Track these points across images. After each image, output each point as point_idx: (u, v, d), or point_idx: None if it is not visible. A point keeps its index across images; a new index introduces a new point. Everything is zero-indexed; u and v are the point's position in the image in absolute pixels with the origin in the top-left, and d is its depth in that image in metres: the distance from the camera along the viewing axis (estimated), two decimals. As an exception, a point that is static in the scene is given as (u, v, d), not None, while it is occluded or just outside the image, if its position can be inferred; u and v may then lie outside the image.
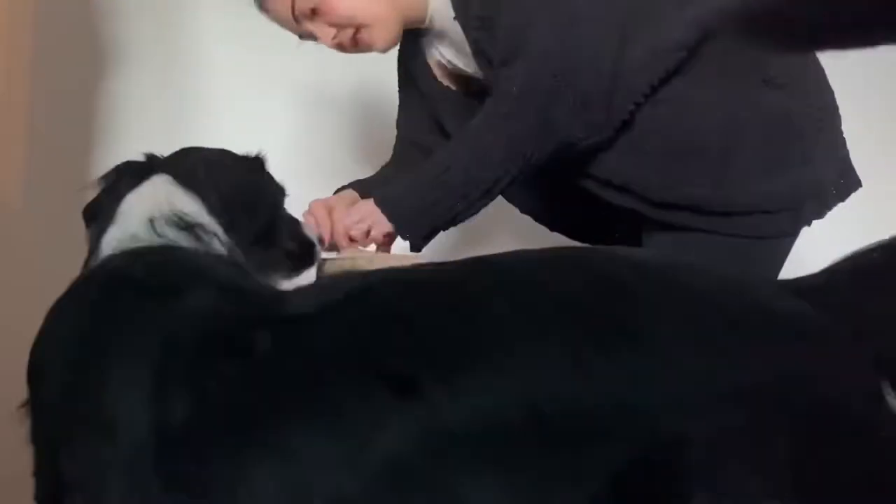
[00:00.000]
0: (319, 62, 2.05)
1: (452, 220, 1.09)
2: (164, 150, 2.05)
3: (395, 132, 1.56)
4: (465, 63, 1.26)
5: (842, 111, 1.17)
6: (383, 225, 1.10)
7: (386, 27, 1.19)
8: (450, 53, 1.29)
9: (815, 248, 1.57)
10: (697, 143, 1.04)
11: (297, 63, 2.04)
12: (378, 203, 1.11)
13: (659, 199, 1.07)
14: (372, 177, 1.42)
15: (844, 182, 1.14)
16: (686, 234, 1.08)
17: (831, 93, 1.16)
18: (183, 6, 2.07)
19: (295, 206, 1.34)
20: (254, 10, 2.14)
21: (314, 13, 1.19)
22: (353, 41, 1.21)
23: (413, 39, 1.33)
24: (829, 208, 1.12)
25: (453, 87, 1.34)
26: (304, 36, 1.24)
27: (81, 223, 1.89)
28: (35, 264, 2.01)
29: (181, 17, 2.07)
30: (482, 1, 1.10)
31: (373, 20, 1.18)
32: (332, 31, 1.20)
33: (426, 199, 1.08)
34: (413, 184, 1.11)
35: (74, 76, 2.08)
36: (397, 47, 1.35)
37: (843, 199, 1.13)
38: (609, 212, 1.18)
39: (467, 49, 1.19)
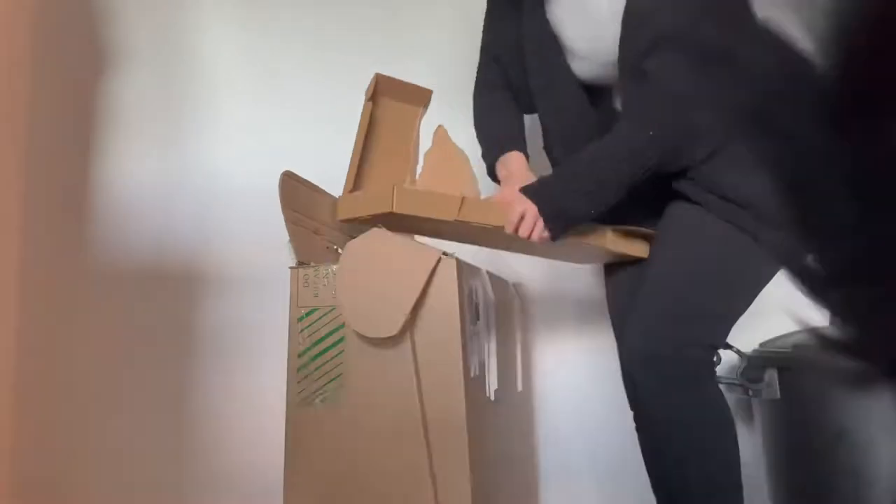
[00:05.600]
0: (319, 62, 2.06)
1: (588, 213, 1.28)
2: (164, 149, 2.07)
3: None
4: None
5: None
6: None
7: None
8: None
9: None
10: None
11: (296, 63, 2.05)
12: (530, 196, 1.28)
13: (735, 198, 1.24)
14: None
15: None
16: (731, 227, 1.24)
17: None
18: (183, 6, 2.07)
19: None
20: (254, 11, 2.15)
21: None
22: None
23: None
24: None
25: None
26: None
27: (80, 223, 1.90)
28: (34, 264, 2.01)
29: (181, 17, 2.08)
30: None
31: None
32: None
33: (572, 188, 1.27)
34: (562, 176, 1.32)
35: (74, 76, 2.08)
36: None
37: None
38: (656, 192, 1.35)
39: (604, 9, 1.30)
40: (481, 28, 1.55)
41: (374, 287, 1.22)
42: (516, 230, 1.26)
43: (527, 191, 1.27)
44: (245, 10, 2.08)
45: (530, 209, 1.25)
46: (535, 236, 1.26)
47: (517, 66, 1.44)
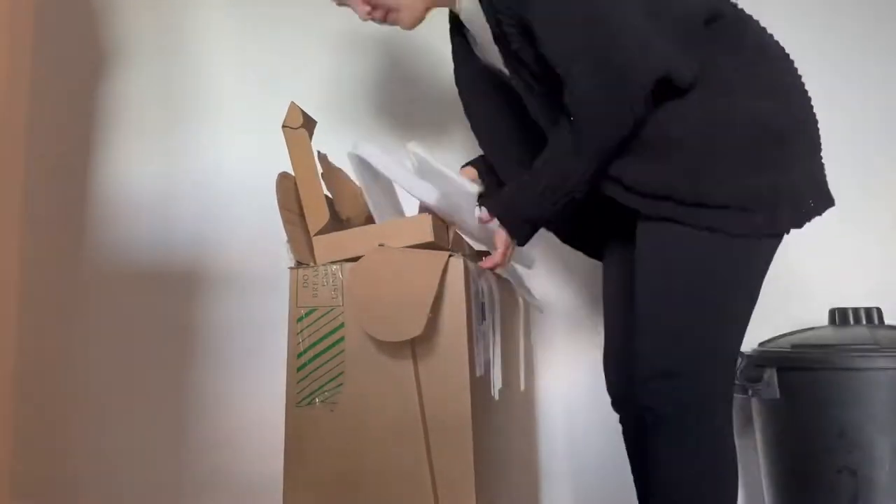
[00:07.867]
0: (319, 63, 2.06)
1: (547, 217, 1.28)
2: (164, 149, 2.07)
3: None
4: (488, 50, 1.38)
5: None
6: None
7: (412, 12, 1.39)
8: (477, 37, 1.42)
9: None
10: (676, 139, 1.16)
11: (296, 64, 2.05)
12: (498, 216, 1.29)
13: (647, 190, 1.18)
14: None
15: (823, 196, 1.24)
16: (673, 226, 1.18)
17: (813, 113, 1.26)
18: (183, 6, 2.07)
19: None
20: (254, 11, 2.15)
21: None
22: (384, 18, 1.40)
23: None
24: (808, 219, 1.21)
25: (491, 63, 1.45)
26: (341, 3, 1.43)
27: (80, 223, 1.90)
28: (34, 264, 2.01)
29: (181, 17, 2.08)
30: None
31: (401, 6, 1.38)
32: (367, 8, 1.38)
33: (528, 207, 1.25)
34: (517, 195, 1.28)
35: (74, 76, 2.08)
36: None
37: (819, 213, 1.22)
38: (612, 208, 1.28)
39: (489, 36, 1.31)
40: None
41: (389, 295, 1.23)
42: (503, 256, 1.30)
43: (492, 208, 1.28)
44: (245, 11, 2.08)
45: (500, 234, 1.28)
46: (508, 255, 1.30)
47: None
